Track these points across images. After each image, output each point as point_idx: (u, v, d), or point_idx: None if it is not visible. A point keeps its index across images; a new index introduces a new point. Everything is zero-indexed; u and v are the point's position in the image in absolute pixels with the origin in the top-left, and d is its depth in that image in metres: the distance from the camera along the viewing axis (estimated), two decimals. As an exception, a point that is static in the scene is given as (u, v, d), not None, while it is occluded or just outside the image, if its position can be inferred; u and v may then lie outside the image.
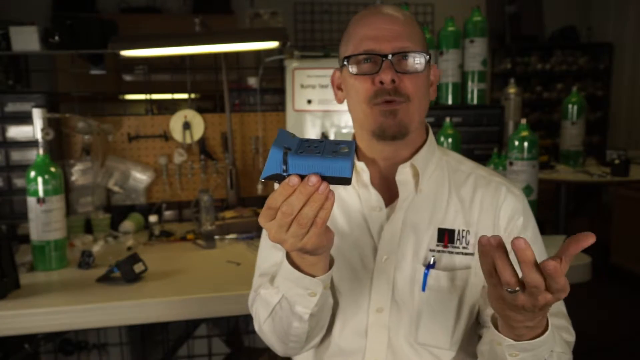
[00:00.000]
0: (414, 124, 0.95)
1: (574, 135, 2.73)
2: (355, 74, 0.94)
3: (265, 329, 0.94)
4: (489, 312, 0.96)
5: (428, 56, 0.94)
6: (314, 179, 0.63)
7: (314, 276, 0.81)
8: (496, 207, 0.98)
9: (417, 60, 0.93)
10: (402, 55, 0.92)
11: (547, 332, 0.75)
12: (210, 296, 1.39)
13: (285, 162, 0.64)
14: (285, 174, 0.65)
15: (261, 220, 0.69)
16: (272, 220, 0.68)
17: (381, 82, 0.91)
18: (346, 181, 0.65)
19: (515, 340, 0.76)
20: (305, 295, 0.84)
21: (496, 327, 0.80)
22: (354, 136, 1.05)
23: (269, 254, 1.00)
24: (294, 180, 0.64)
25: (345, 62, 0.95)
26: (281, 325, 0.90)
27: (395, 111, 0.92)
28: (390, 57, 0.91)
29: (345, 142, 0.67)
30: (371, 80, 0.92)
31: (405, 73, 0.92)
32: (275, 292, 0.88)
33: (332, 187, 0.66)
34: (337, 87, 1.03)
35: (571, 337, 0.94)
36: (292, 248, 0.70)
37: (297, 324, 0.88)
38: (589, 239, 0.62)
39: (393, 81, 0.90)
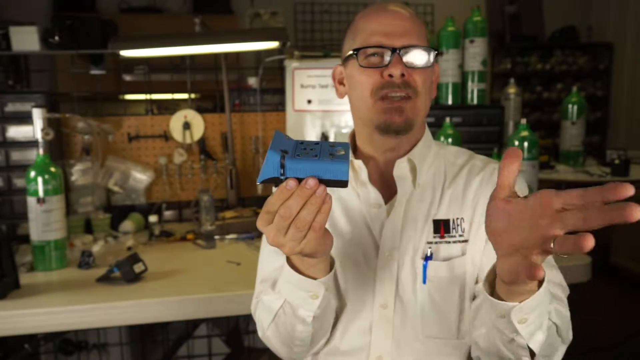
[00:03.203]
0: (419, 119, 0.96)
1: (574, 135, 2.74)
2: (364, 67, 0.94)
3: (269, 334, 0.94)
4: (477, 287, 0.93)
5: (435, 52, 0.96)
6: (311, 182, 0.64)
7: (315, 278, 0.81)
8: (494, 183, 0.93)
9: (425, 57, 0.94)
10: (412, 50, 0.93)
11: (543, 284, 0.71)
12: (210, 296, 1.39)
13: (282, 166, 0.64)
14: (282, 177, 0.65)
15: (259, 224, 0.70)
16: (270, 224, 0.69)
17: (390, 76, 0.91)
18: (343, 184, 0.65)
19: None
20: (307, 298, 0.83)
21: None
22: (352, 134, 1.05)
23: (270, 259, 1.00)
24: (291, 183, 0.65)
25: (354, 54, 0.95)
26: (285, 329, 0.90)
27: (402, 108, 0.92)
28: (400, 51, 0.92)
29: (340, 144, 0.68)
30: (379, 73, 0.93)
31: (414, 68, 0.93)
32: (277, 297, 0.87)
33: (330, 188, 0.66)
34: (339, 82, 1.03)
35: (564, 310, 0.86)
36: (291, 252, 0.71)
37: (301, 327, 0.88)
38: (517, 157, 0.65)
39: (402, 75, 0.91)
